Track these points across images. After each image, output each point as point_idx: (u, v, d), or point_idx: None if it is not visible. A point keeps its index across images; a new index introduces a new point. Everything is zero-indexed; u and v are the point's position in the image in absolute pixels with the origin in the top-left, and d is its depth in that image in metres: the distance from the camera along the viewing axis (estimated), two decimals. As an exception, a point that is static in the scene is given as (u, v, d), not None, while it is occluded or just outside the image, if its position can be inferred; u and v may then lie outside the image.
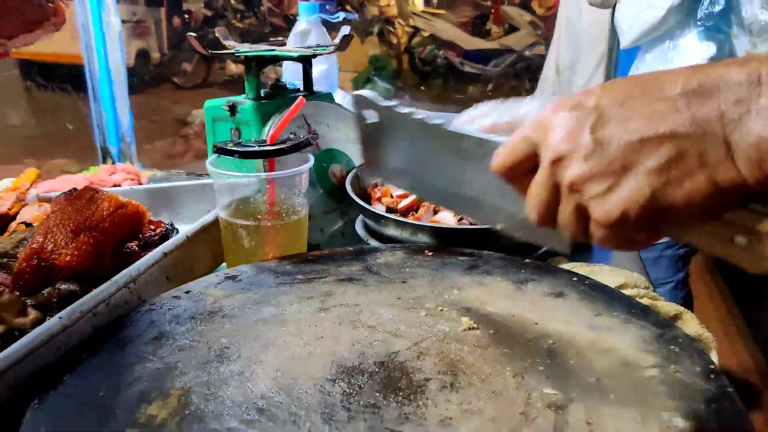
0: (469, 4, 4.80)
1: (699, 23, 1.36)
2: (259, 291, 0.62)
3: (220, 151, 0.71)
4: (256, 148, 0.72)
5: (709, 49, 1.35)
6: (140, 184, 1.25)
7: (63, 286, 0.62)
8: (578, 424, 0.41)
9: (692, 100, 0.35)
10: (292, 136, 0.76)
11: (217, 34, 0.94)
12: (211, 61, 5.05)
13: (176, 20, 5.42)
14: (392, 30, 4.81)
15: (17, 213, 0.91)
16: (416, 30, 4.76)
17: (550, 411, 0.42)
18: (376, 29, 4.81)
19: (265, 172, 0.73)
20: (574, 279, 0.63)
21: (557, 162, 0.39)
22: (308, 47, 0.94)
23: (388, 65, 4.74)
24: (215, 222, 0.75)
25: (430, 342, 0.52)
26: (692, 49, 1.37)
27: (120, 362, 0.50)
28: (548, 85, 2.70)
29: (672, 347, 0.50)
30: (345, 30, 0.91)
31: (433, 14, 4.79)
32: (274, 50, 0.89)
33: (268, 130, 0.83)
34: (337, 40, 0.90)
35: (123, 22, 1.85)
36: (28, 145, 3.34)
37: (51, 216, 0.67)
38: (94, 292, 0.58)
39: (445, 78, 4.69)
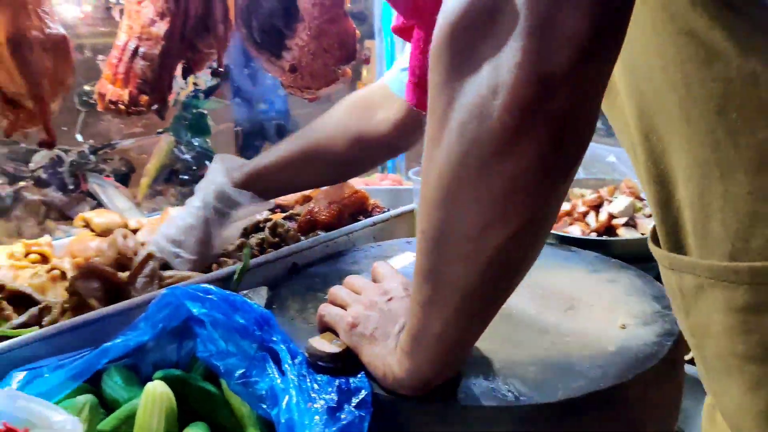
0: None
1: None
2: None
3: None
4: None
5: None
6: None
7: (319, 232, 1.11)
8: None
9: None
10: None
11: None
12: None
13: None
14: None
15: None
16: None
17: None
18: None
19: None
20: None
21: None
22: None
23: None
24: (411, 210, 1.17)
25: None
26: None
27: (329, 271, 0.94)
28: None
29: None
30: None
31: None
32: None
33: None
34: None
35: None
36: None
37: (319, 194, 1.18)
38: (330, 233, 1.04)
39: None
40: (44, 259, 1.13)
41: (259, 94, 2.78)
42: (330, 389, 0.57)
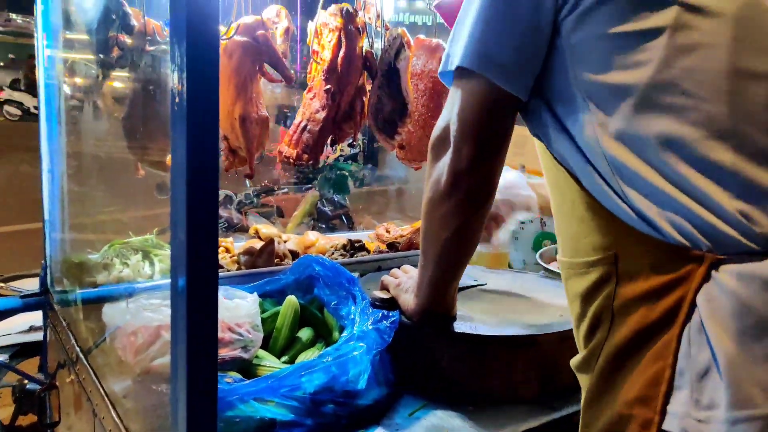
0: None
1: None
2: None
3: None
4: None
5: None
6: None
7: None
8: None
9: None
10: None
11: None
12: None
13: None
14: None
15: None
16: None
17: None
18: None
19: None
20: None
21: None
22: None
23: None
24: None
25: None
26: None
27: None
28: None
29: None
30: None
31: None
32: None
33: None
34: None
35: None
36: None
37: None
38: (407, 252, 1.56)
39: None
40: (227, 250, 1.77)
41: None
42: (378, 314, 1.08)
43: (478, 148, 0.85)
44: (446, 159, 0.88)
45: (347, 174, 3.74)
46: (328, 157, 3.81)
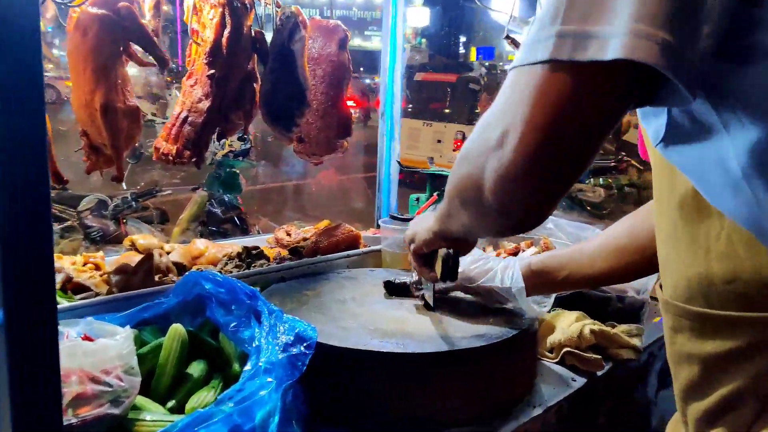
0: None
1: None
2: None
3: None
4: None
5: None
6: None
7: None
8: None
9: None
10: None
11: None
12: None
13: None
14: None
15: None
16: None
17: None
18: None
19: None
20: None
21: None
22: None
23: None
24: (377, 250, 1.50)
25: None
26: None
27: (308, 282, 1.27)
28: None
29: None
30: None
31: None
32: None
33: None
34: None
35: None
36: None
37: (321, 231, 1.53)
38: (312, 258, 1.38)
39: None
40: (97, 267, 1.48)
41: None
42: (291, 335, 0.89)
43: (579, 158, 0.58)
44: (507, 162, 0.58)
45: (238, 171, 3.46)
46: (215, 153, 3.51)
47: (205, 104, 1.40)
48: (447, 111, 7.52)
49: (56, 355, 0.49)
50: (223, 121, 1.48)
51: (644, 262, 0.99)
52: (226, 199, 3.50)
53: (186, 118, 1.42)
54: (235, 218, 3.33)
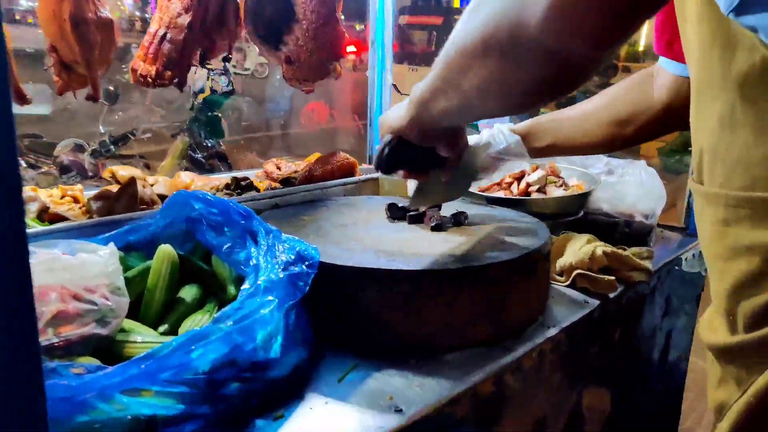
0: None
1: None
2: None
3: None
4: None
5: None
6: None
7: (300, 191, 1.37)
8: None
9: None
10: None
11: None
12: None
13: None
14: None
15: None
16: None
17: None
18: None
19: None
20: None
21: None
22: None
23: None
24: (374, 179, 1.42)
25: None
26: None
27: (305, 209, 1.19)
28: None
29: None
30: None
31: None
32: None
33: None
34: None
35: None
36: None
37: (317, 159, 1.44)
38: (308, 185, 1.30)
39: None
40: (76, 200, 1.39)
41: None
42: (292, 254, 0.82)
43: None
44: None
45: (220, 115, 3.31)
46: (197, 95, 3.35)
47: (185, 19, 1.28)
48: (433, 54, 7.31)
49: (25, 251, 0.41)
50: (205, 39, 1.37)
51: (625, 134, 1.10)
52: (209, 144, 3.37)
53: (164, 35, 1.30)
54: (218, 158, 3.21)
